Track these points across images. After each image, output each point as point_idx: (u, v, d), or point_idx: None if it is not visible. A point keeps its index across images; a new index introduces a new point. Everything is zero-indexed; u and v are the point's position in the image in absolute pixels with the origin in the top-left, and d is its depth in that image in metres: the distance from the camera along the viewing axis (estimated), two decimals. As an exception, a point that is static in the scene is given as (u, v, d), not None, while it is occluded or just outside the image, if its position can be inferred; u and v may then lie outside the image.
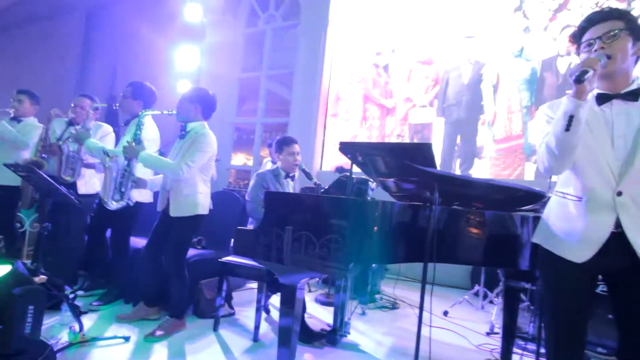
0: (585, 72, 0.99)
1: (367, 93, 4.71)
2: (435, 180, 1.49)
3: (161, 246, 2.17)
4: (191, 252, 2.54)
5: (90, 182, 2.69)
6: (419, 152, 1.39)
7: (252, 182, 2.33)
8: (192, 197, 2.10)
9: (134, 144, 2.09)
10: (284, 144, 2.37)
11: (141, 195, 2.41)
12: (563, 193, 1.17)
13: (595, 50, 1.06)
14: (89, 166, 2.64)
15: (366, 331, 2.43)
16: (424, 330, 2.59)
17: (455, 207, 1.50)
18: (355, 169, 1.79)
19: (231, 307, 2.56)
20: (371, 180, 1.95)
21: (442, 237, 1.46)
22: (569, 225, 1.14)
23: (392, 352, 2.16)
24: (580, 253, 1.10)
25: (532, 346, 2.34)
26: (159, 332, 2.04)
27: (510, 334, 2.08)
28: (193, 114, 2.16)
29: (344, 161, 4.00)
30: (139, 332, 2.05)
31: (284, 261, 1.54)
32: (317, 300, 2.99)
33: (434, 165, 1.47)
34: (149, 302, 2.26)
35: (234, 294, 2.76)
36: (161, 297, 2.23)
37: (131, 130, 2.26)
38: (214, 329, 2.22)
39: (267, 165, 4.01)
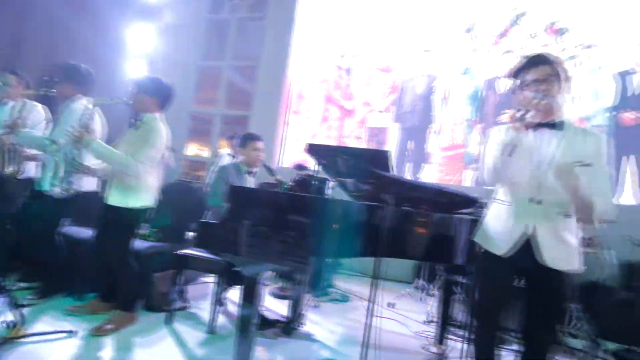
0: (525, 114, 1.31)
1: (328, 94, 4.85)
2: (390, 183, 1.66)
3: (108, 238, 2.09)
4: (144, 244, 2.47)
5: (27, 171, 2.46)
6: (378, 158, 1.55)
7: (214, 175, 2.33)
8: (134, 189, 2.03)
9: (83, 132, 1.96)
10: (249, 139, 2.41)
11: (87, 184, 2.28)
12: (499, 200, 1.49)
13: (541, 90, 1.35)
14: (32, 159, 2.41)
15: (319, 322, 2.57)
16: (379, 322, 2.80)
17: (405, 208, 1.68)
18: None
19: (185, 301, 2.54)
20: (330, 179, 2.08)
21: (393, 235, 1.63)
22: (499, 224, 1.45)
23: (344, 340, 2.32)
24: (501, 246, 1.40)
25: (461, 332, 2.68)
26: (107, 327, 1.97)
27: (444, 322, 2.36)
28: (149, 106, 2.10)
29: (304, 158, 4.10)
30: (86, 326, 1.97)
31: (246, 254, 1.60)
32: (271, 294, 3.07)
33: (389, 170, 1.64)
34: (103, 297, 2.16)
35: (188, 288, 2.73)
36: (114, 291, 2.15)
37: (70, 118, 2.12)
38: (166, 323, 2.20)
39: (225, 157, 3.96)
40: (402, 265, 3.90)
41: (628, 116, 3.71)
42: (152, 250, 2.44)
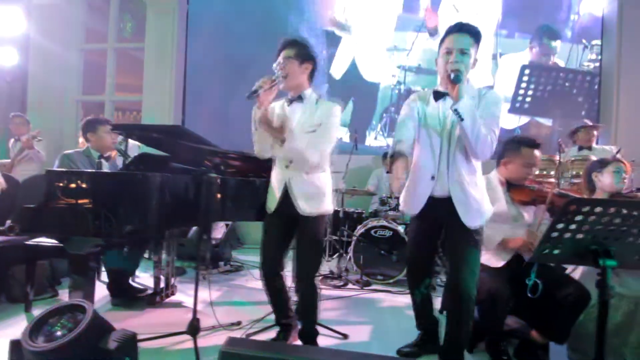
0: None
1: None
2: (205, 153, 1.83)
3: None
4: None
5: None
6: (181, 132, 1.69)
7: (57, 163, 2.32)
8: None
9: None
10: (98, 123, 2.41)
11: None
12: None
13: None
14: None
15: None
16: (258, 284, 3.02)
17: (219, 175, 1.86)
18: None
19: (55, 291, 2.57)
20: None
21: (221, 200, 1.82)
22: None
23: (215, 303, 2.53)
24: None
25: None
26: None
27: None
28: None
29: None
30: None
31: (68, 233, 1.70)
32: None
33: (196, 141, 1.77)
34: None
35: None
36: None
37: None
38: (26, 311, 2.23)
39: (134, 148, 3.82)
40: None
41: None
42: (7, 244, 2.40)
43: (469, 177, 1.47)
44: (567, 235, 1.18)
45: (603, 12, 4.29)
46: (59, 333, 1.02)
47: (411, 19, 4.53)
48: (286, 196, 1.62)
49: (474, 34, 1.43)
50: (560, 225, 1.17)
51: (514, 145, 1.71)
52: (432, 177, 1.51)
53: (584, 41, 4.33)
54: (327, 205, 1.68)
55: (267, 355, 0.87)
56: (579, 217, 1.14)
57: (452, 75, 1.33)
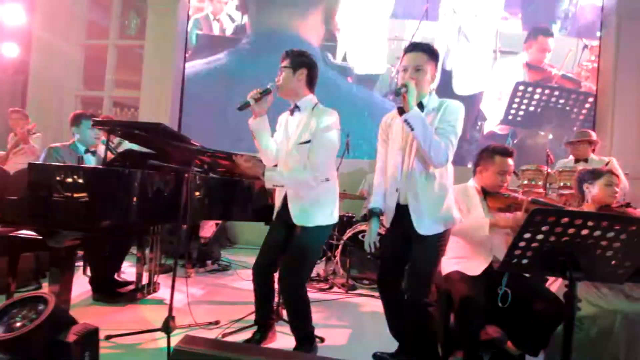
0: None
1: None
2: (192, 152, 1.83)
3: None
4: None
5: None
6: (162, 130, 1.70)
7: (42, 156, 2.35)
8: None
9: None
10: (82, 117, 2.43)
11: None
12: None
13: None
14: None
15: (179, 289, 2.75)
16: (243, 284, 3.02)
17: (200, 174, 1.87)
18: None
19: (39, 283, 2.58)
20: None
21: (203, 198, 1.82)
22: None
23: (193, 301, 2.53)
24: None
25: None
26: None
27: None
28: None
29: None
30: None
31: (49, 225, 1.71)
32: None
33: (179, 139, 1.79)
34: None
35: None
36: None
37: None
38: (7, 302, 2.24)
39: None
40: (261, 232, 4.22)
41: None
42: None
43: (425, 184, 1.52)
44: (534, 244, 1.18)
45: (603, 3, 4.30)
46: (18, 324, 1.03)
47: (410, 9, 4.53)
48: (285, 204, 1.66)
49: (428, 51, 1.52)
50: (526, 235, 1.16)
51: (487, 154, 1.72)
52: (397, 190, 1.58)
53: (583, 40, 4.32)
54: (326, 217, 1.67)
55: (218, 355, 0.87)
56: (545, 228, 1.14)
57: (396, 89, 1.43)
